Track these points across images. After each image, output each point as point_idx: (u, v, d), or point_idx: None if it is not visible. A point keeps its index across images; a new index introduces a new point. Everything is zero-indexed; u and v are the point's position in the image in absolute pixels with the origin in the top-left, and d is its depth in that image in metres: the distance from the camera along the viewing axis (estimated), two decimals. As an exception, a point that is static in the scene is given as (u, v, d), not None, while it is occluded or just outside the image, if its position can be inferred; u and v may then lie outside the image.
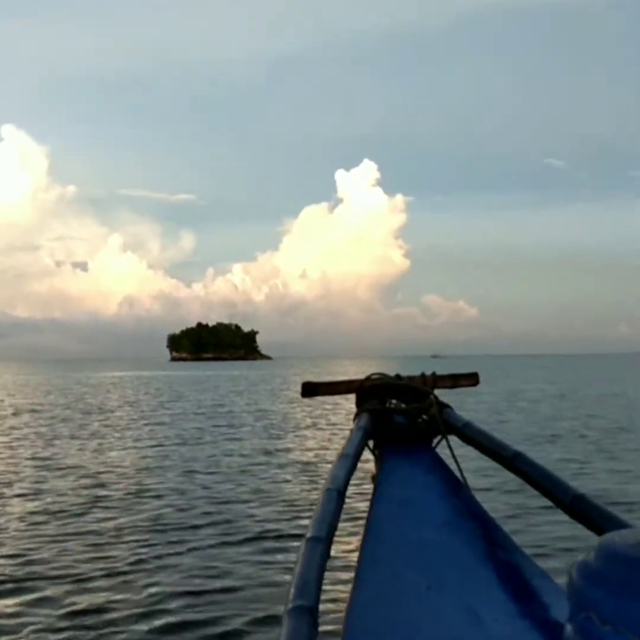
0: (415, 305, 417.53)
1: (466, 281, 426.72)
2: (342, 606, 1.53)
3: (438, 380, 2.56)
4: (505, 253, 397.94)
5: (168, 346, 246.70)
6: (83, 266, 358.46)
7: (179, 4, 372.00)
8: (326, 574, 1.25)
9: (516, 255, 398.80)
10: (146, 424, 19.47)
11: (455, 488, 1.90)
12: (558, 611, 1.30)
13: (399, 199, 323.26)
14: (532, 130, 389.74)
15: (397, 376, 2.48)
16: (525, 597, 1.43)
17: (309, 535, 1.33)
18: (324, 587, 1.22)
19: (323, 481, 1.70)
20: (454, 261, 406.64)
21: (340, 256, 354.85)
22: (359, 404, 2.36)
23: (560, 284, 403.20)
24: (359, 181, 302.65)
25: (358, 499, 5.99)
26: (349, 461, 1.79)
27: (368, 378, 2.45)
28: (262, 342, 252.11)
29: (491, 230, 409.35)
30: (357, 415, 2.29)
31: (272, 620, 4.78)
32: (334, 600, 4.70)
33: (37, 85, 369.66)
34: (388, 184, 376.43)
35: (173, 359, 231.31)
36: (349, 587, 1.47)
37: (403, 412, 2.27)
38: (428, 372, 2.61)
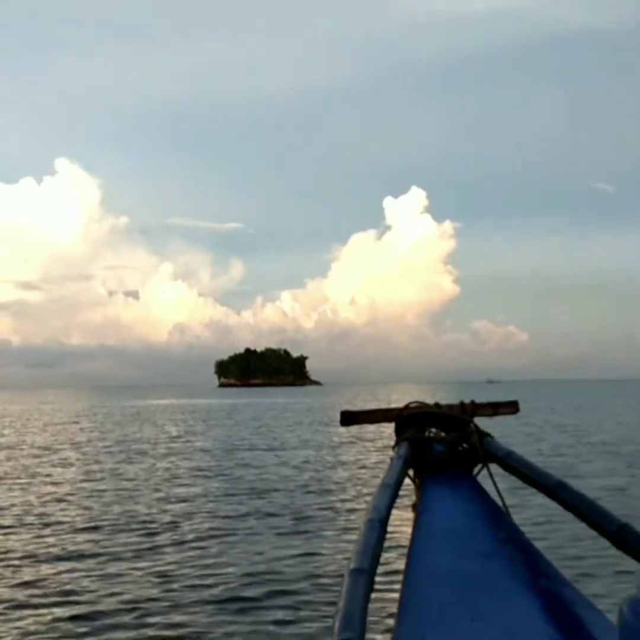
0: (465, 331, 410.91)
1: (516, 306, 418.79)
2: (387, 638, 1.59)
3: (478, 408, 2.49)
4: (555, 278, 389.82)
5: (216, 372, 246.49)
6: (135, 295, 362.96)
7: (228, 33, 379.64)
8: (370, 605, 1.23)
9: (566, 280, 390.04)
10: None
11: (498, 517, 1.86)
12: None
13: (448, 225, 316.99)
14: (581, 154, 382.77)
15: (436, 404, 2.41)
16: (572, 630, 1.38)
17: (352, 566, 1.32)
18: (368, 619, 1.18)
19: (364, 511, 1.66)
20: (503, 286, 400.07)
21: (389, 283, 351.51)
22: (398, 432, 2.33)
23: (611, 309, 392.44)
24: (407, 208, 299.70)
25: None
26: (390, 491, 1.76)
27: (407, 406, 2.39)
28: (312, 368, 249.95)
29: (540, 254, 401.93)
30: (396, 444, 2.25)
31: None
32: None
33: (89, 118, 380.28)
34: (437, 210, 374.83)
35: (221, 385, 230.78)
36: (392, 619, 1.49)
37: (443, 441, 2.22)
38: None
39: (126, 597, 6.67)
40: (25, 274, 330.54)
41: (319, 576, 7.27)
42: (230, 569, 7.59)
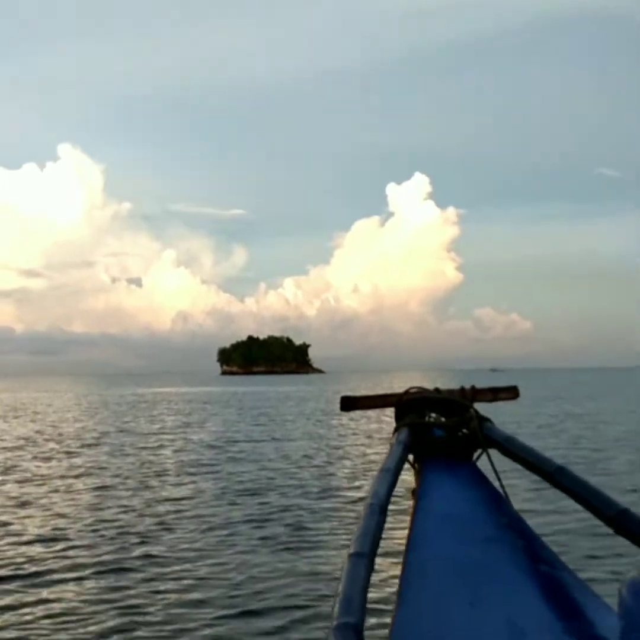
0: (468, 318, 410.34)
1: (519, 294, 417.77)
2: (386, 622, 1.47)
3: (478, 394, 2.50)
4: (558, 265, 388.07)
5: (218, 360, 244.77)
6: (137, 282, 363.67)
7: (229, 20, 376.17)
8: (369, 590, 1.23)
9: (569, 267, 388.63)
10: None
11: (497, 502, 1.86)
12: (605, 629, 1.28)
13: (451, 211, 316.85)
14: (585, 139, 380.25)
15: (436, 389, 2.42)
16: (572, 614, 1.39)
17: (351, 551, 1.32)
18: (368, 604, 1.18)
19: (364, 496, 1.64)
20: (506, 273, 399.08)
21: (392, 270, 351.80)
22: (398, 418, 2.33)
23: (615, 296, 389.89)
24: (410, 194, 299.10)
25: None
26: (390, 476, 1.77)
27: (407, 392, 2.40)
28: (314, 356, 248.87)
29: (544, 241, 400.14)
30: (396, 429, 2.25)
31: None
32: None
33: (92, 104, 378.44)
34: (440, 197, 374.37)
35: (224, 373, 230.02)
36: (391, 604, 1.44)
37: (443, 426, 2.22)
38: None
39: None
40: (28, 262, 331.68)
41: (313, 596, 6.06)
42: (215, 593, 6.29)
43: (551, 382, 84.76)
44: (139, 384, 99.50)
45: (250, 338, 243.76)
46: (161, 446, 18.63)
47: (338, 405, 2.61)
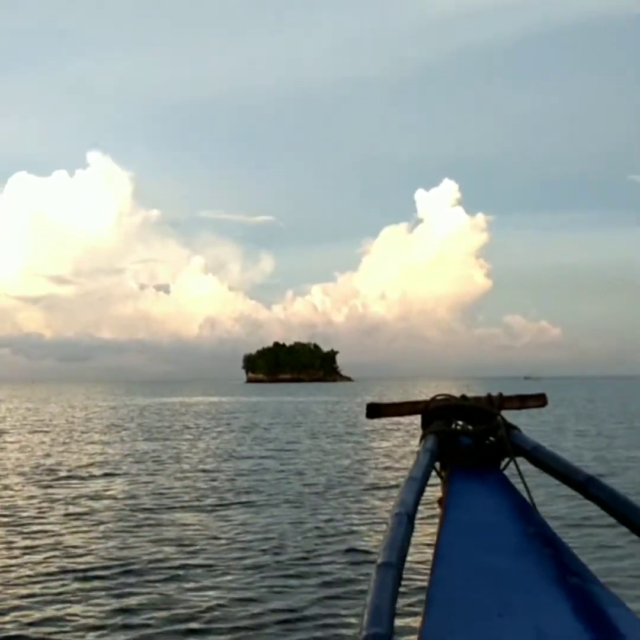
0: (497, 325, 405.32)
1: (549, 301, 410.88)
2: (415, 632, 1.47)
3: (505, 401, 2.43)
4: (588, 272, 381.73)
5: (244, 367, 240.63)
6: (165, 288, 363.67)
7: (255, 30, 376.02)
8: (398, 600, 1.22)
9: (599, 275, 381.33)
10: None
11: (525, 512, 1.81)
12: None
13: (480, 218, 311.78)
14: (616, 146, 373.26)
15: (463, 397, 2.37)
16: (600, 626, 1.34)
17: (380, 561, 1.30)
18: (396, 614, 1.16)
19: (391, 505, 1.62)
20: (536, 280, 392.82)
21: (420, 276, 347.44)
22: (424, 425, 2.29)
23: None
24: (439, 201, 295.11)
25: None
26: (417, 484, 1.73)
27: (433, 399, 2.36)
28: (342, 362, 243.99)
29: (573, 248, 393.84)
30: (422, 437, 2.20)
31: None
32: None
33: (121, 112, 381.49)
34: (469, 203, 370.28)
35: (249, 381, 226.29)
36: (419, 614, 1.41)
37: (470, 434, 2.17)
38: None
39: None
40: (57, 268, 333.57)
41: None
42: None
43: (593, 393, 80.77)
44: (159, 392, 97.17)
45: (276, 344, 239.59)
46: (155, 473, 15.66)
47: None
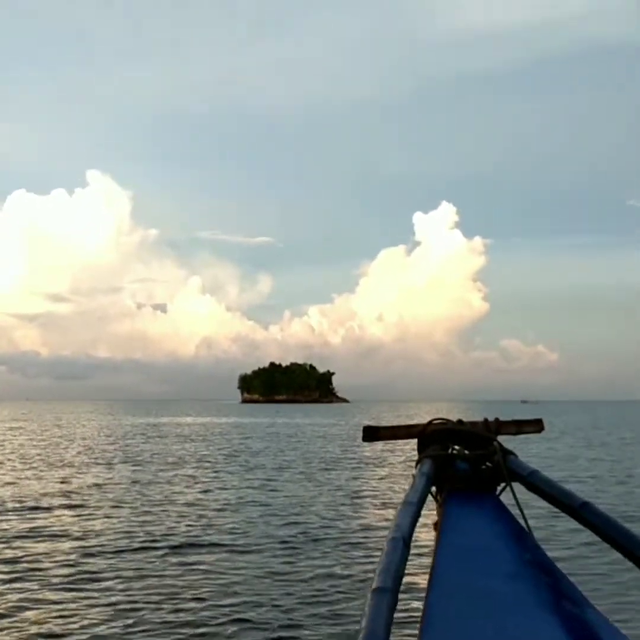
0: (494, 349, 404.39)
1: (546, 325, 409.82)
2: None
3: (502, 426, 2.44)
4: (586, 297, 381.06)
5: (239, 387, 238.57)
6: (163, 308, 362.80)
7: (254, 51, 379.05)
8: (393, 625, 1.19)
9: (597, 299, 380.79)
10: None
11: (521, 537, 1.81)
12: None
13: (478, 241, 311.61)
14: (615, 170, 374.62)
15: (460, 421, 2.37)
16: None
17: (375, 585, 1.29)
18: (391, 638, 1.16)
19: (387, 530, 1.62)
20: (533, 304, 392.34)
21: (417, 299, 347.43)
22: (421, 449, 2.30)
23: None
24: (437, 223, 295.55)
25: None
26: (413, 508, 1.74)
27: (430, 423, 2.36)
28: (339, 384, 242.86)
29: (571, 272, 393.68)
30: (419, 461, 2.20)
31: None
32: None
33: (121, 131, 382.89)
34: (467, 227, 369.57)
35: (244, 401, 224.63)
36: (414, 638, 1.39)
37: (466, 459, 2.18)
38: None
39: None
40: (55, 286, 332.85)
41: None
42: None
43: (593, 417, 79.91)
44: (153, 412, 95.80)
45: (272, 365, 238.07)
46: (120, 505, 14.75)
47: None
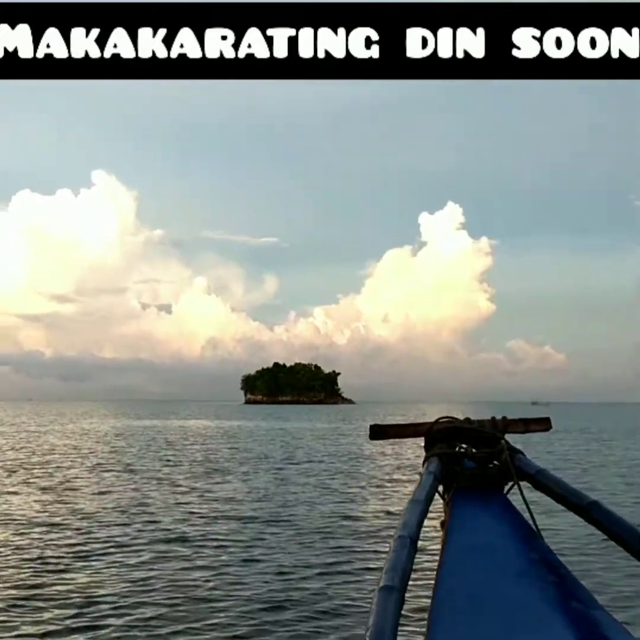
0: (500, 350, 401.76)
1: (553, 326, 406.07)
2: None
3: (509, 425, 2.41)
4: (593, 297, 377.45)
5: (242, 388, 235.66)
6: (168, 308, 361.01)
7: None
8: (400, 623, 1.21)
9: (605, 299, 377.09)
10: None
11: (528, 536, 1.81)
12: None
13: (484, 242, 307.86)
14: (623, 171, 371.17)
15: (467, 420, 2.36)
16: None
17: (381, 584, 1.31)
18: (398, 637, 1.17)
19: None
20: (540, 305, 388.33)
21: (423, 300, 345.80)
22: (428, 447, 2.29)
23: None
24: (443, 224, 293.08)
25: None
26: (420, 507, 1.75)
27: (437, 421, 2.35)
28: (344, 385, 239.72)
29: (578, 272, 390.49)
30: (426, 459, 2.21)
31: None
32: None
33: (126, 130, 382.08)
34: (473, 227, 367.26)
35: (247, 402, 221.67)
36: (421, 637, 1.40)
37: (473, 457, 2.19)
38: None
39: None
40: (60, 286, 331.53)
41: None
42: None
43: (613, 420, 77.94)
44: (155, 414, 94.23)
45: (276, 365, 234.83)
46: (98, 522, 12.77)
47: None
